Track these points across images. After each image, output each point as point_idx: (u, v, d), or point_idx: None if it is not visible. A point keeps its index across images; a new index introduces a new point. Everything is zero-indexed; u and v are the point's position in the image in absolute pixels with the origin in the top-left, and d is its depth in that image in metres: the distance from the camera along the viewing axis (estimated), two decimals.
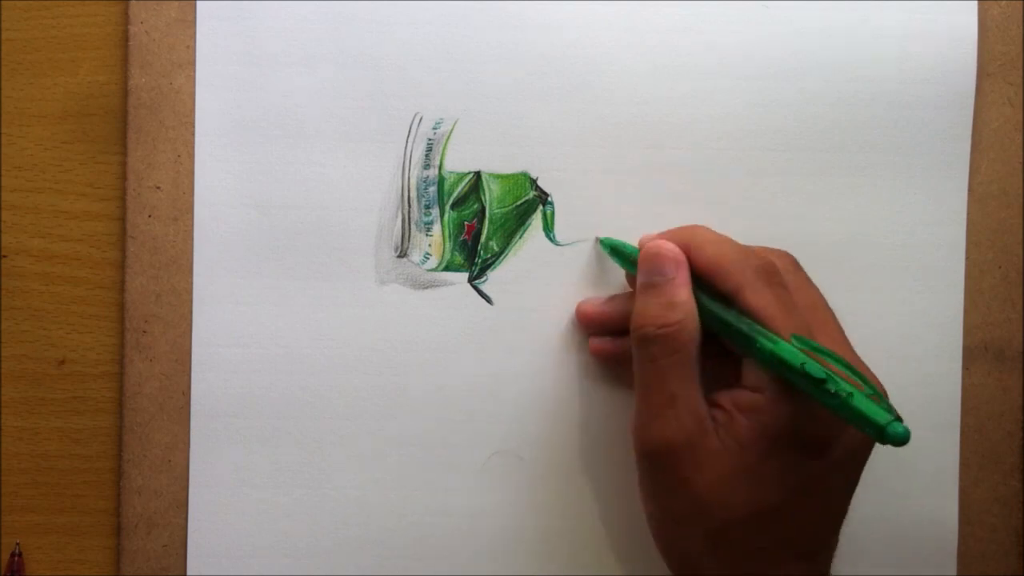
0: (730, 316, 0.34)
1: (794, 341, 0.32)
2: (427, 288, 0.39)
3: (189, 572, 0.39)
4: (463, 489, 0.39)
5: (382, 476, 0.39)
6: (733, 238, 0.36)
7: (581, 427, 0.39)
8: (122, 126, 0.39)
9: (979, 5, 0.39)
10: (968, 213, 0.40)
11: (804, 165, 0.39)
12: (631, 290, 0.38)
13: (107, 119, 0.39)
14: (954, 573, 0.40)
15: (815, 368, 0.31)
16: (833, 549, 0.35)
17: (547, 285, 0.39)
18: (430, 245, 0.39)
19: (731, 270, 0.34)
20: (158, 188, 0.39)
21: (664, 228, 0.38)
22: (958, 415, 0.40)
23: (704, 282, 0.35)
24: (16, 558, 0.39)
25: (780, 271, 0.34)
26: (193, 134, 0.39)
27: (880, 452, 0.39)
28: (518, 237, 0.39)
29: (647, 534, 0.36)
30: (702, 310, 0.35)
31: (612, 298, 0.39)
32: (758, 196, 0.39)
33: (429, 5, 0.39)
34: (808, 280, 0.36)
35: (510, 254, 0.39)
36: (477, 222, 0.39)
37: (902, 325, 0.40)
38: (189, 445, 0.39)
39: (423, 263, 0.39)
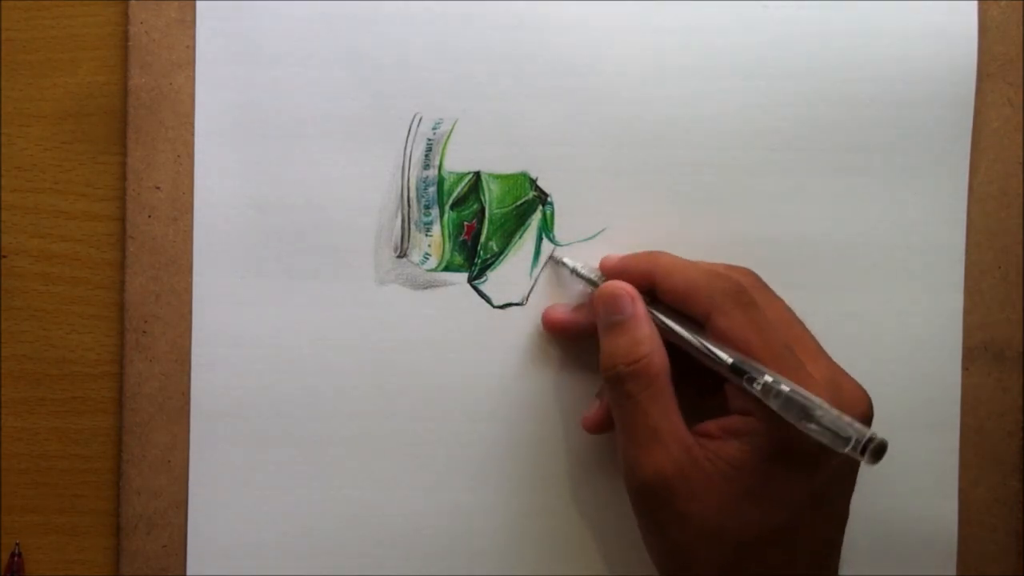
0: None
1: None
2: (427, 288, 0.39)
3: (188, 572, 0.39)
4: (463, 489, 0.39)
5: (382, 476, 0.39)
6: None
7: (581, 427, 0.39)
8: (122, 126, 0.39)
9: (979, 5, 0.39)
10: (968, 213, 0.40)
11: (804, 165, 0.39)
12: None
13: (107, 119, 0.39)
14: (954, 573, 0.40)
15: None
16: (840, 551, 0.35)
17: (547, 285, 0.39)
18: (430, 245, 0.39)
19: (700, 296, 0.34)
20: (158, 188, 0.39)
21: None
22: (958, 415, 0.40)
23: (674, 308, 0.35)
24: (16, 558, 0.39)
25: (748, 289, 0.34)
26: (193, 134, 0.39)
27: None
28: (518, 237, 0.39)
29: None
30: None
31: (579, 307, 0.39)
32: (758, 196, 0.39)
33: (429, 5, 0.39)
34: (775, 295, 0.35)
35: (510, 254, 0.39)
36: (477, 222, 0.39)
37: (902, 325, 0.40)
38: (188, 445, 0.39)
39: (423, 263, 0.39)
